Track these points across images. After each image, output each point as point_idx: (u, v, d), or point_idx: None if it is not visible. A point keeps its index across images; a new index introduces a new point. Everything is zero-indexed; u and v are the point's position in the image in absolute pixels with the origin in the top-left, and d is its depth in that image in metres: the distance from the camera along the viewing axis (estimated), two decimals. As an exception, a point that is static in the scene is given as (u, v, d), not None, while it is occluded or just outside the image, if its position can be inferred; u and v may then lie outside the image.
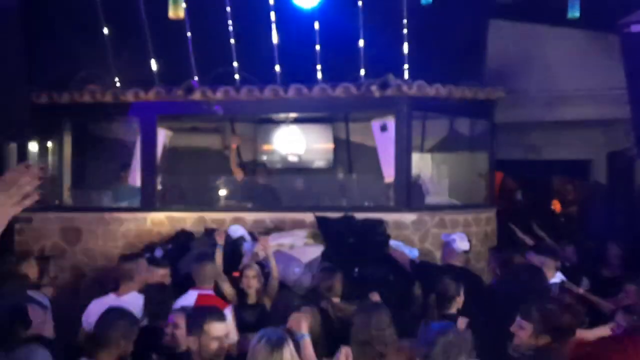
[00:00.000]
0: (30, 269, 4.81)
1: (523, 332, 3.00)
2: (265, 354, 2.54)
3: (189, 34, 6.65)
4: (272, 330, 2.72)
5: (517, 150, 8.91)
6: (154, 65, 6.95)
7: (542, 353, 2.92)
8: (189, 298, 4.10)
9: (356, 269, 5.34)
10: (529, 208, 8.82)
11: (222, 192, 7.57)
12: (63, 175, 7.53)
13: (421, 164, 7.65)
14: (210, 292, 4.26)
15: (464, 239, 5.02)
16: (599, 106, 7.65)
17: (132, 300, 3.95)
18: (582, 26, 7.04)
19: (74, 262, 6.75)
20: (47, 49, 6.80)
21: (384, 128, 6.82)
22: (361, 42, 6.64)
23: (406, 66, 6.71)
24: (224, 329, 2.89)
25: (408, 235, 6.31)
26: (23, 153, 7.15)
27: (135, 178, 7.11)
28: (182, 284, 4.51)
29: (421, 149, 7.81)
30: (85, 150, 7.71)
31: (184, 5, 5.07)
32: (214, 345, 2.80)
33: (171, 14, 4.92)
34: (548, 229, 6.82)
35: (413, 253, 5.74)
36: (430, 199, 7.39)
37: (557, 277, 4.91)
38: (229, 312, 3.99)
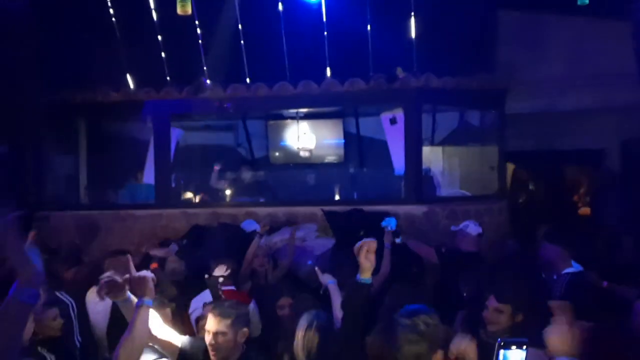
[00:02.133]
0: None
1: (502, 315, 2.96)
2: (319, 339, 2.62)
3: (199, 32, 6.73)
4: (317, 314, 2.76)
5: (529, 141, 8.86)
6: (165, 64, 7.05)
7: (517, 329, 2.89)
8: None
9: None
10: (542, 199, 8.78)
11: (235, 188, 7.66)
12: (79, 174, 7.67)
13: (432, 156, 7.66)
14: (234, 287, 4.32)
15: (476, 223, 5.04)
16: (611, 94, 7.58)
17: None
18: (592, 13, 6.99)
19: (91, 259, 6.88)
20: (60, 50, 6.93)
21: (393, 121, 6.85)
22: (369, 36, 6.67)
23: (414, 59, 6.72)
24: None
25: (419, 227, 6.34)
26: (39, 153, 7.30)
27: (150, 175, 7.23)
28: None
29: (432, 142, 7.82)
30: (101, 149, 7.84)
31: (190, 1, 5.15)
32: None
33: (179, 10, 5.01)
34: (561, 219, 6.80)
35: None
36: (441, 191, 7.40)
37: (573, 267, 4.88)
38: (253, 306, 4.05)
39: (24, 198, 7.12)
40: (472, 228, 4.98)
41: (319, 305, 3.40)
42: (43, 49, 6.83)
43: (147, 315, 2.42)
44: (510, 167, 8.19)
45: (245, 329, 2.75)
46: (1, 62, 6.66)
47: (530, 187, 9.23)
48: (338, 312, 3.12)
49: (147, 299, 2.42)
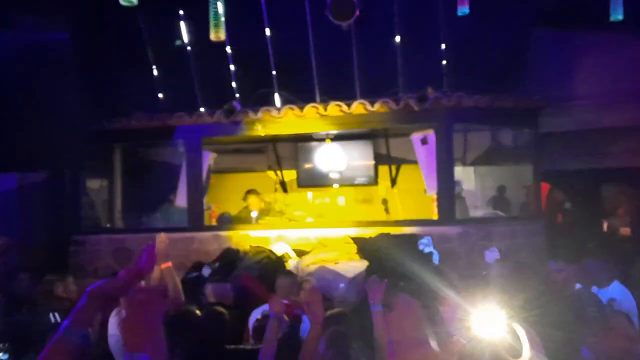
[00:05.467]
0: (68, 289, 5.03)
1: None
2: None
3: (230, 57, 6.86)
4: (337, 333, 2.74)
5: (565, 160, 8.67)
6: (197, 89, 7.20)
7: None
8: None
9: (401, 284, 5.30)
10: (579, 219, 8.54)
11: (266, 210, 7.69)
12: (114, 199, 7.82)
13: (465, 176, 7.56)
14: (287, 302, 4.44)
15: (493, 251, 5.04)
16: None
17: None
18: (627, 30, 6.87)
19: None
20: (97, 79, 7.15)
21: (424, 141, 6.80)
22: (399, 56, 6.68)
23: (445, 78, 6.69)
24: None
25: (454, 248, 6.23)
26: (76, 179, 7.49)
27: (183, 199, 7.32)
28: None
29: (465, 162, 7.72)
30: (135, 174, 8.00)
31: (224, 27, 5.27)
32: None
33: (212, 36, 5.11)
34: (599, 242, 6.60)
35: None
36: (475, 212, 7.28)
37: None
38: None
39: (61, 222, 7.29)
40: (488, 256, 4.98)
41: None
42: (81, 79, 7.06)
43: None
44: (544, 186, 8.02)
45: None
46: (42, 92, 6.92)
47: (567, 207, 9.00)
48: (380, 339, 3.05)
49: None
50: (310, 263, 5.80)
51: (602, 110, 7.75)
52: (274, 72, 6.93)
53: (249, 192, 7.84)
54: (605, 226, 8.96)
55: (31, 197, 7.41)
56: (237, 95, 6.97)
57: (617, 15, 5.55)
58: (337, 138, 8.09)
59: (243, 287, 5.03)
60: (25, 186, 7.38)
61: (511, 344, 2.26)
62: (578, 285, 4.57)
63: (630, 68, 7.51)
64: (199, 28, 5.92)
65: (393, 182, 8.26)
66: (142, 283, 4.51)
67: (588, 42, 7.75)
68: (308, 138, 8.27)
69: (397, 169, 8.08)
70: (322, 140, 8.20)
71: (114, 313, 4.21)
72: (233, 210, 7.97)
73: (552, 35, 7.77)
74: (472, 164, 7.88)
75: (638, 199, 9.00)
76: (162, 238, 3.87)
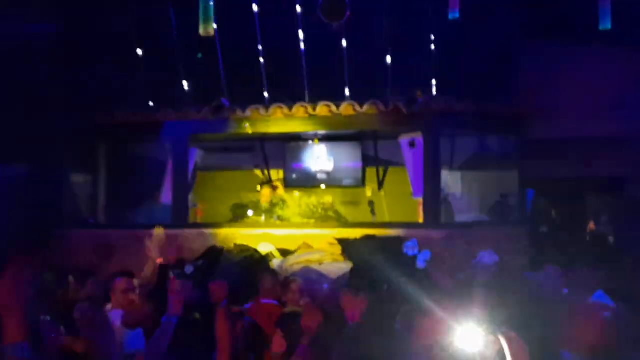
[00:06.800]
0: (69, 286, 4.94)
1: None
2: None
3: (219, 54, 6.82)
4: None
5: (549, 167, 8.73)
6: (185, 85, 7.13)
7: None
8: None
9: (385, 287, 5.30)
10: (563, 226, 8.61)
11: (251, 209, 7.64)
12: (98, 194, 7.73)
13: (451, 181, 7.58)
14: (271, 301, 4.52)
15: (492, 253, 5.01)
16: (634, 121, 7.48)
17: None
18: (615, 41, 6.94)
19: (107, 278, 6.86)
20: (82, 72, 7.06)
21: (412, 145, 6.81)
22: (390, 59, 6.69)
23: (435, 82, 6.71)
24: None
25: (439, 252, 6.23)
26: (59, 173, 7.38)
27: (168, 196, 7.25)
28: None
29: (451, 166, 7.74)
30: (120, 170, 7.91)
31: (214, 23, 5.22)
32: None
33: (202, 31, 5.06)
34: (581, 247, 6.66)
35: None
36: (460, 216, 7.30)
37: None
38: None
39: (44, 215, 7.18)
40: (486, 259, 4.97)
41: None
42: (66, 71, 6.96)
43: None
44: (529, 193, 8.07)
45: None
46: (27, 84, 6.81)
47: (552, 214, 9.07)
48: None
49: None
50: (294, 263, 5.78)
51: (587, 119, 7.81)
52: (263, 71, 6.90)
53: (265, 183, 7.77)
54: (588, 232, 9.05)
55: (13, 189, 7.29)
56: (226, 93, 6.92)
57: (606, 24, 5.59)
58: (325, 139, 8.06)
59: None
60: (7, 178, 7.25)
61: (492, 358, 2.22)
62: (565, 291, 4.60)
63: (616, 79, 7.59)
64: (188, 23, 5.87)
65: (380, 184, 8.25)
66: (135, 282, 4.46)
67: (576, 52, 7.82)
68: (296, 138, 8.24)
69: (385, 172, 8.06)
70: (310, 140, 8.17)
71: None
72: (223, 209, 7.88)
73: (540, 44, 7.82)
74: (459, 168, 7.90)
75: (621, 207, 9.10)
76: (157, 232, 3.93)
